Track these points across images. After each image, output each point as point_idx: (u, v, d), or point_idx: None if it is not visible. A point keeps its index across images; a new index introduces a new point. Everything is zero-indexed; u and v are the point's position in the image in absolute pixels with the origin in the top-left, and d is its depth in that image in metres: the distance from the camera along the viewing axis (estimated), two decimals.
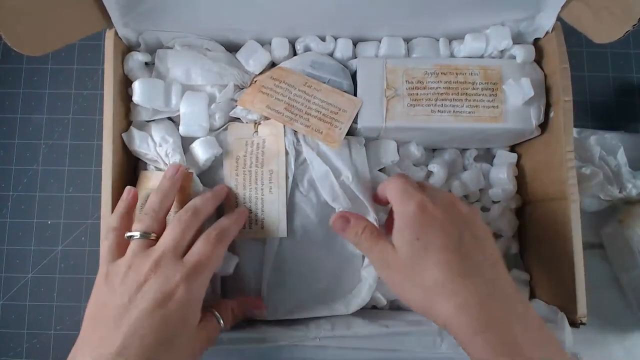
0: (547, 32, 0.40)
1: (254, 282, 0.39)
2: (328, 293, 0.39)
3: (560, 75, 0.39)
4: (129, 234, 0.33)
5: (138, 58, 0.40)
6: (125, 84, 0.41)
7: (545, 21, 0.40)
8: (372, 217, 0.38)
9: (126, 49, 0.41)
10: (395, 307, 0.42)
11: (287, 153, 0.39)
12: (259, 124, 0.40)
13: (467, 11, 0.40)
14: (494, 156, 0.46)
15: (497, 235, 0.45)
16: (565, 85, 0.38)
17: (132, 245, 0.32)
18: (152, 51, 0.42)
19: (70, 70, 0.52)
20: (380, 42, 0.42)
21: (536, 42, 0.42)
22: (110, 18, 0.38)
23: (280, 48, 0.42)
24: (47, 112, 0.52)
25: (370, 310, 0.42)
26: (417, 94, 0.40)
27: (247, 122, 0.40)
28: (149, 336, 0.28)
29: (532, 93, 0.38)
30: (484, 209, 0.45)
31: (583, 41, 0.39)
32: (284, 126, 0.39)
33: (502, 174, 0.44)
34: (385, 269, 0.32)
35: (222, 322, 0.34)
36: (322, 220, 0.38)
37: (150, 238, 0.32)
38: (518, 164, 0.45)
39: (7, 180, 0.51)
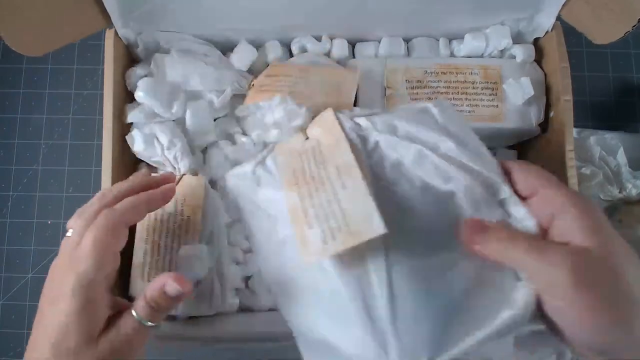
0: (547, 32, 0.40)
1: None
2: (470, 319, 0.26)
3: (560, 74, 0.39)
4: (67, 228, 0.31)
5: (140, 73, 0.40)
6: (125, 84, 0.41)
7: (545, 21, 0.40)
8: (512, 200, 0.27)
9: (126, 49, 0.41)
10: None
11: (349, 141, 0.30)
12: (305, 128, 0.34)
13: (467, 11, 0.40)
14: (494, 156, 0.46)
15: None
16: (565, 85, 0.38)
17: (62, 244, 0.30)
18: (149, 52, 0.42)
19: (70, 70, 0.52)
20: (379, 42, 0.42)
21: (536, 41, 0.42)
22: (110, 18, 0.38)
23: (273, 51, 0.42)
24: (47, 112, 0.52)
25: None
26: (417, 93, 0.40)
27: (290, 135, 0.35)
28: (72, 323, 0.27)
29: (532, 92, 0.38)
30: None
31: (583, 41, 0.39)
32: (334, 113, 0.32)
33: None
34: (577, 285, 0.22)
35: (136, 315, 0.28)
36: (436, 211, 0.28)
37: (73, 237, 0.30)
38: None
39: (7, 180, 0.51)
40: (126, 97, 0.41)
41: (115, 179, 0.37)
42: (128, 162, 0.41)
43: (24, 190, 0.51)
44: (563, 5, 0.38)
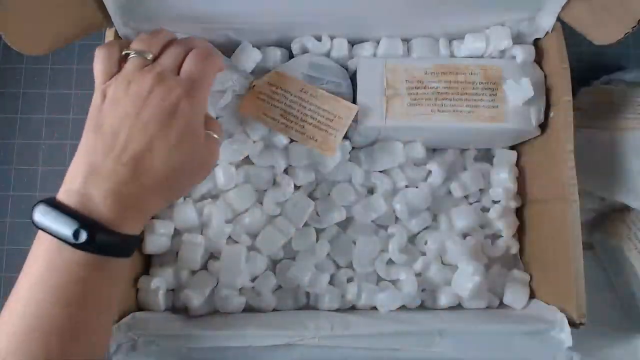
0: (547, 32, 0.40)
1: None
2: None
3: (561, 75, 0.39)
4: (126, 51, 0.32)
5: None
6: None
7: (546, 21, 0.40)
8: None
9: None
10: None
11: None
12: None
13: (467, 11, 0.40)
14: (494, 156, 0.46)
15: (497, 236, 0.45)
16: (565, 85, 0.38)
17: (130, 63, 0.32)
18: None
19: (70, 70, 0.52)
20: (378, 42, 0.42)
21: (536, 42, 0.42)
22: (110, 18, 0.38)
23: (272, 58, 0.42)
24: (47, 112, 0.52)
25: (370, 311, 0.42)
26: (417, 94, 0.40)
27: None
28: (160, 143, 0.29)
29: (532, 93, 0.38)
30: (484, 209, 0.45)
31: (583, 41, 0.39)
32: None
33: (503, 174, 0.44)
34: None
35: (216, 136, 0.34)
36: None
37: (148, 58, 0.32)
38: (518, 164, 0.45)
39: (7, 180, 0.51)
40: None
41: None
42: None
43: (24, 190, 0.51)
44: (563, 6, 0.38)
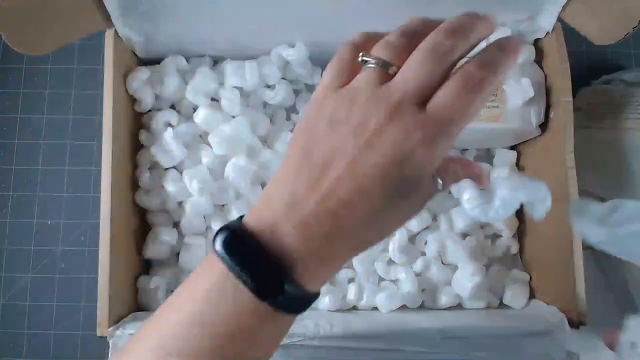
0: (547, 33, 0.40)
1: None
2: None
3: (561, 75, 0.39)
4: (364, 56, 0.24)
5: (141, 77, 0.41)
6: (124, 84, 0.41)
7: (546, 22, 0.40)
8: None
9: (126, 49, 0.41)
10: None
11: None
12: None
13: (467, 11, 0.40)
14: (494, 156, 0.46)
15: (497, 236, 0.45)
16: (565, 86, 0.38)
17: (365, 74, 0.24)
18: (150, 52, 0.42)
19: (70, 70, 0.52)
20: None
21: (536, 42, 0.42)
22: (110, 18, 0.38)
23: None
24: (47, 112, 0.52)
25: (370, 312, 0.42)
26: None
27: None
28: (375, 198, 0.22)
29: (532, 93, 0.38)
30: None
31: (583, 41, 0.39)
32: None
33: (503, 174, 0.44)
34: None
35: (440, 183, 0.25)
36: None
37: (389, 71, 0.24)
38: (518, 164, 0.45)
39: (7, 180, 0.51)
40: (126, 97, 0.41)
41: (115, 179, 0.37)
42: (128, 163, 0.41)
43: (24, 190, 0.51)
44: (563, 6, 0.38)
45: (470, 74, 0.23)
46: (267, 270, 0.22)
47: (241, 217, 0.24)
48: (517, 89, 0.39)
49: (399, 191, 0.23)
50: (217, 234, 0.23)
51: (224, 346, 0.23)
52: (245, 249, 0.23)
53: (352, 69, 0.25)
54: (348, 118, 0.23)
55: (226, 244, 0.23)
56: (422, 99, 0.23)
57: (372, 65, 0.24)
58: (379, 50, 0.24)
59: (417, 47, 0.23)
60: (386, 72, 0.24)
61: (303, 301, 0.24)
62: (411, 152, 0.22)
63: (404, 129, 0.22)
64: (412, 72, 0.23)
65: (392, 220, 0.24)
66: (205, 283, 0.23)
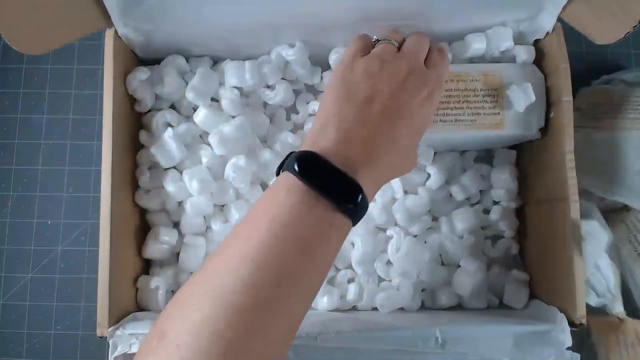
0: (547, 33, 0.40)
1: None
2: None
3: (561, 75, 0.39)
4: (376, 37, 0.36)
5: (141, 77, 0.41)
6: (124, 84, 0.41)
7: (546, 22, 0.40)
8: None
9: (126, 48, 0.41)
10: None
11: None
12: None
13: (468, 11, 0.40)
14: (494, 156, 0.46)
15: (497, 236, 0.45)
16: (565, 86, 0.38)
17: (383, 46, 0.34)
18: (150, 52, 0.42)
19: (70, 70, 0.52)
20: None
21: (536, 42, 0.42)
22: (110, 18, 0.38)
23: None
24: (47, 112, 0.52)
25: (370, 312, 0.42)
26: None
27: None
28: (404, 131, 0.32)
29: (533, 98, 0.38)
30: (485, 211, 0.45)
31: (583, 41, 0.38)
32: None
33: (504, 174, 0.44)
34: None
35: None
36: None
37: (395, 45, 0.35)
38: (518, 164, 0.45)
39: (7, 180, 0.51)
40: (126, 97, 0.41)
41: (115, 179, 0.37)
42: (128, 163, 0.41)
43: (24, 190, 0.51)
44: (563, 6, 0.38)
45: (440, 47, 0.37)
46: (344, 184, 0.28)
47: (296, 151, 0.30)
48: (520, 94, 0.39)
49: (420, 124, 0.33)
50: (285, 161, 0.29)
51: (306, 253, 0.27)
52: (319, 167, 0.28)
53: (370, 46, 0.35)
54: (381, 70, 0.32)
55: (301, 166, 0.28)
56: (422, 62, 0.34)
57: (387, 41, 0.35)
58: (382, 32, 0.36)
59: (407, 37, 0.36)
60: (393, 45, 0.35)
61: (364, 210, 0.30)
62: (431, 94, 0.33)
63: (424, 78, 0.33)
64: (412, 45, 0.35)
65: (413, 151, 0.35)
66: (281, 202, 0.28)
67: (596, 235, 0.41)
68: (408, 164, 0.34)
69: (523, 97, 0.38)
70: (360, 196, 0.28)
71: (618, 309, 0.44)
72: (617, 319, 0.43)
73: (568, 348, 0.35)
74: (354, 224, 0.30)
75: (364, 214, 0.30)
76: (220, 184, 0.42)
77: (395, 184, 0.43)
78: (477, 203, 0.45)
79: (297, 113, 0.45)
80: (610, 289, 0.43)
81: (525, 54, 0.40)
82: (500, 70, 0.40)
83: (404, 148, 0.32)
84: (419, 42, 0.35)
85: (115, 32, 0.39)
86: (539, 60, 0.42)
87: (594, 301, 0.43)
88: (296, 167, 0.28)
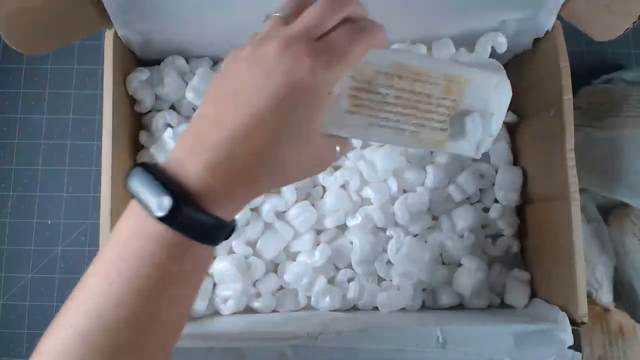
0: (547, 32, 0.40)
1: None
2: None
3: (561, 73, 0.39)
4: (268, 14, 0.29)
5: (141, 77, 0.41)
6: (124, 84, 0.41)
7: (546, 20, 0.40)
8: None
9: (126, 49, 0.41)
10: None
11: None
12: None
13: (467, 11, 0.40)
14: (493, 155, 0.46)
15: (498, 235, 0.45)
16: (565, 84, 0.38)
17: (270, 21, 0.28)
18: (149, 53, 0.42)
19: (70, 70, 0.52)
20: None
21: (536, 41, 0.42)
22: (110, 18, 0.38)
23: None
24: (47, 112, 0.52)
25: (371, 312, 0.42)
26: (360, 97, 0.29)
27: None
28: (269, 124, 0.25)
29: (494, 135, 0.31)
30: (485, 210, 0.45)
31: (583, 40, 0.38)
32: None
33: (502, 173, 0.44)
34: None
35: (338, 148, 0.29)
36: None
37: (282, 17, 0.28)
38: (518, 163, 0.45)
39: (7, 180, 0.51)
40: (126, 97, 0.41)
41: (115, 179, 0.37)
42: (128, 163, 0.41)
43: (24, 190, 0.51)
44: (563, 4, 0.38)
45: (354, 23, 0.26)
46: (167, 194, 0.23)
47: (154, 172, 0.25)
48: (477, 126, 0.31)
49: (291, 118, 0.25)
50: (130, 171, 0.25)
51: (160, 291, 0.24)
52: (149, 179, 0.24)
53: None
54: (252, 56, 0.26)
55: (134, 177, 0.25)
56: (313, 36, 0.26)
57: (276, 14, 0.28)
58: (278, 9, 0.28)
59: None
60: (286, 20, 0.27)
61: (213, 227, 0.25)
62: (302, 77, 0.25)
63: (294, 56, 0.25)
64: (304, 17, 0.26)
65: (290, 153, 0.26)
66: (123, 224, 0.25)
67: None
68: (301, 173, 0.29)
69: (481, 130, 0.31)
70: (187, 208, 0.24)
71: (606, 299, 0.44)
72: (603, 309, 0.43)
73: (570, 347, 0.35)
74: (209, 243, 0.26)
75: (219, 233, 0.26)
76: None
77: (393, 183, 0.43)
78: (477, 202, 0.45)
79: None
80: (596, 277, 0.43)
81: (498, 68, 0.33)
82: (470, 79, 0.30)
83: (271, 150, 0.25)
84: (318, 8, 0.26)
85: (115, 32, 0.39)
86: (539, 59, 0.42)
87: None
88: (149, 203, 0.24)
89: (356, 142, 0.43)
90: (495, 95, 0.31)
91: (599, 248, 0.45)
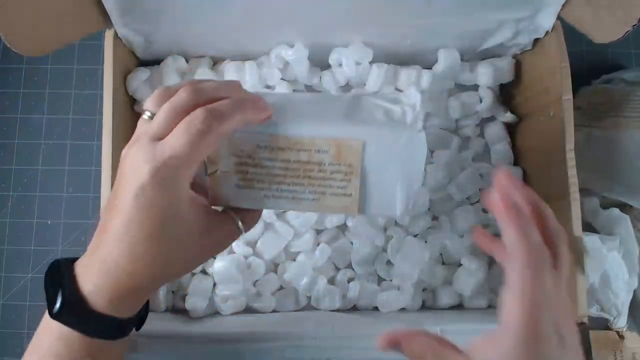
0: (547, 32, 0.40)
1: None
2: None
3: (561, 73, 0.39)
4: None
5: (141, 77, 0.41)
6: (124, 84, 0.41)
7: (546, 20, 0.40)
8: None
9: (126, 49, 0.41)
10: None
11: None
12: None
13: (467, 10, 0.40)
14: (493, 155, 0.46)
15: (498, 235, 0.45)
16: (565, 84, 0.38)
17: (138, 124, 0.28)
18: (149, 53, 0.42)
19: (70, 70, 0.52)
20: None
21: (536, 41, 0.42)
22: (110, 18, 0.38)
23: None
24: (47, 112, 0.52)
25: (371, 312, 0.42)
26: (248, 172, 0.29)
27: None
28: (133, 225, 0.25)
29: (416, 188, 0.30)
30: (485, 210, 0.45)
31: (583, 40, 0.38)
32: None
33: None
34: None
35: (241, 225, 0.29)
36: None
37: (147, 117, 0.27)
38: (518, 164, 0.45)
39: (7, 180, 0.51)
40: (126, 97, 0.41)
41: (115, 179, 0.37)
42: None
43: (24, 190, 0.51)
44: (563, 5, 0.38)
45: (193, 120, 0.25)
46: (58, 294, 0.26)
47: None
48: (390, 185, 0.29)
49: (154, 221, 0.25)
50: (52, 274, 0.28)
51: None
52: (52, 276, 0.27)
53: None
54: (121, 159, 0.27)
55: (46, 273, 0.28)
56: (159, 136, 0.26)
57: (145, 117, 0.27)
58: (152, 103, 0.27)
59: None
60: (150, 119, 0.27)
61: (105, 325, 0.27)
62: (142, 182, 0.25)
63: (137, 159, 0.25)
64: (155, 120, 0.26)
65: (167, 249, 0.26)
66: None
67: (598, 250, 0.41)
68: (195, 261, 0.30)
69: (399, 188, 0.29)
70: (116, 326, 0.27)
71: (621, 323, 0.43)
72: (617, 336, 0.43)
73: None
74: (110, 337, 0.28)
75: (115, 328, 0.27)
76: None
77: None
78: (477, 202, 0.45)
79: None
80: (617, 306, 0.43)
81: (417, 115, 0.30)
82: (364, 140, 0.28)
83: (143, 253, 0.26)
84: (167, 107, 0.26)
85: (115, 33, 0.39)
86: (540, 59, 0.42)
87: (595, 313, 0.43)
88: (49, 300, 0.26)
89: None
90: (405, 151, 0.29)
91: (630, 270, 0.44)
